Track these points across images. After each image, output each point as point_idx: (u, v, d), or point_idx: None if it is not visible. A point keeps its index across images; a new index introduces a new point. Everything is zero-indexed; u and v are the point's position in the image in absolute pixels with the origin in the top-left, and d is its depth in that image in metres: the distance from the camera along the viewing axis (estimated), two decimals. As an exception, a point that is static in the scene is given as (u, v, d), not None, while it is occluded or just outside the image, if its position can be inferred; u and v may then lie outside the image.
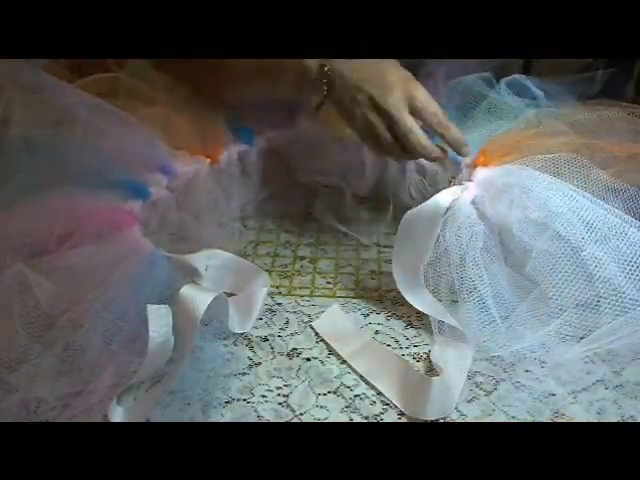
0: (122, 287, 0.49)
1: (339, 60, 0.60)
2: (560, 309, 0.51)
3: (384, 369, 0.52)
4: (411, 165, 0.71)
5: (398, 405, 0.49)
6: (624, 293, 0.50)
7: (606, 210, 0.52)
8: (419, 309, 0.56)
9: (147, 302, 0.47)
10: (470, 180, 0.59)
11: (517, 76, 0.70)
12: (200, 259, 0.56)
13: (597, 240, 0.51)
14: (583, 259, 0.50)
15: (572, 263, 0.51)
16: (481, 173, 0.59)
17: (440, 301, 0.56)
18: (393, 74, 0.60)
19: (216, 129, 0.71)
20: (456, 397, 0.49)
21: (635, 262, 0.50)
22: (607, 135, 0.59)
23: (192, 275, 0.57)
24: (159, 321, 0.46)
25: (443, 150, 0.61)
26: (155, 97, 0.69)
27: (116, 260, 0.51)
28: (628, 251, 0.50)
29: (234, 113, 0.72)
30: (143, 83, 0.69)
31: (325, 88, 0.61)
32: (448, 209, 0.56)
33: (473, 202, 0.57)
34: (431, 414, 0.48)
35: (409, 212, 0.56)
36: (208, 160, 0.69)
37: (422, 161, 0.69)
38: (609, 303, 0.50)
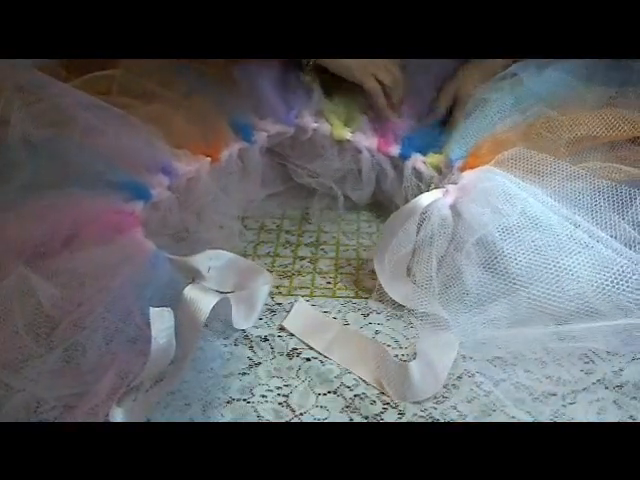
0: (125, 289, 0.49)
1: None
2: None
3: (361, 356, 0.53)
4: (408, 170, 0.71)
5: (379, 389, 0.50)
6: (592, 306, 0.52)
7: (575, 224, 0.54)
8: (398, 301, 0.58)
9: (149, 304, 0.47)
10: (455, 183, 0.60)
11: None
12: (202, 260, 0.56)
13: (568, 252, 0.53)
14: (556, 269, 0.52)
15: (544, 272, 0.53)
16: (465, 177, 0.61)
17: None
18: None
19: (218, 126, 0.70)
20: (440, 377, 0.50)
21: (604, 275, 0.52)
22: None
23: (195, 277, 0.56)
24: (162, 324, 0.46)
25: None
26: (154, 92, 0.68)
27: (119, 262, 0.51)
28: (596, 264, 0.52)
29: (234, 109, 0.72)
30: (142, 79, 0.69)
31: None
32: (427, 210, 0.58)
33: (453, 205, 0.58)
34: (415, 396, 0.49)
35: (393, 213, 0.60)
36: (209, 159, 0.68)
37: (419, 166, 0.70)
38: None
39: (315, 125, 0.74)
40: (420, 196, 0.59)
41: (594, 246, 0.52)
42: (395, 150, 0.72)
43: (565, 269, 0.52)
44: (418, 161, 0.70)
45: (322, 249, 0.70)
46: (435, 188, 0.62)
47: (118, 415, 0.46)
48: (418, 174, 0.70)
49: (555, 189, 0.56)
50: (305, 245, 0.71)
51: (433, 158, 0.70)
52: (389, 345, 0.55)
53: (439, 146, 0.70)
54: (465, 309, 0.55)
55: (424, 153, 0.71)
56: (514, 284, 0.53)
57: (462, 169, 0.63)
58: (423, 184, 0.70)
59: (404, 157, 0.71)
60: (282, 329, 0.57)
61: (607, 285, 0.51)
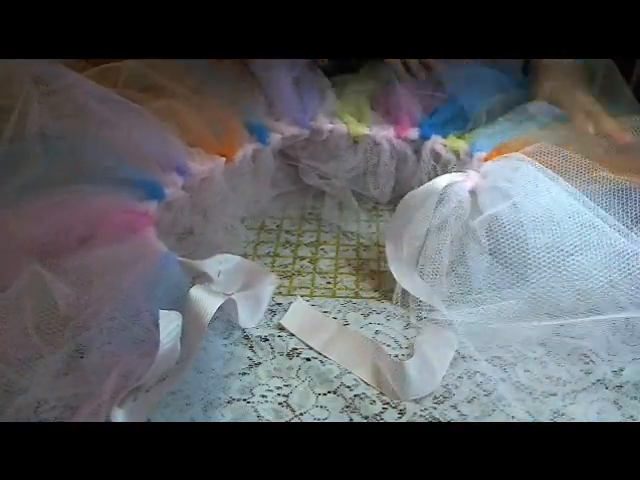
0: (135, 290, 0.49)
1: None
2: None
3: (358, 355, 0.53)
4: (426, 151, 0.71)
5: (376, 387, 0.50)
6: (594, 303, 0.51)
7: (601, 218, 0.53)
8: (405, 288, 0.58)
9: (159, 305, 0.47)
10: (477, 170, 0.60)
11: None
12: (213, 265, 0.55)
13: (586, 249, 0.52)
14: (569, 266, 0.52)
15: (558, 268, 0.52)
16: (488, 165, 0.60)
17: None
18: None
19: (232, 126, 0.70)
20: (438, 376, 0.50)
21: (624, 271, 0.51)
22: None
23: (204, 281, 0.55)
24: (170, 326, 0.45)
25: None
26: (165, 87, 0.68)
27: (130, 262, 0.51)
28: (616, 263, 0.51)
29: (248, 108, 0.72)
30: (152, 71, 0.68)
31: None
32: (445, 193, 0.57)
33: (472, 191, 0.58)
34: (412, 394, 0.49)
35: (408, 193, 0.58)
36: (223, 159, 0.67)
37: (437, 148, 0.70)
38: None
39: (331, 126, 0.74)
40: (439, 177, 0.58)
41: (609, 235, 0.52)
42: (414, 133, 0.72)
43: (578, 265, 0.51)
44: (437, 143, 0.70)
45: (322, 249, 0.70)
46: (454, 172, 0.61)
47: (119, 415, 0.46)
48: (436, 156, 0.70)
49: (578, 188, 0.55)
50: (305, 245, 0.71)
51: (454, 142, 0.69)
52: (389, 345, 0.55)
53: (461, 129, 0.70)
54: (468, 299, 0.55)
55: (445, 135, 0.70)
56: (523, 274, 0.53)
57: (484, 160, 0.63)
58: (440, 166, 0.70)
59: (424, 138, 0.71)
60: (282, 329, 0.57)
61: (615, 277, 0.50)
